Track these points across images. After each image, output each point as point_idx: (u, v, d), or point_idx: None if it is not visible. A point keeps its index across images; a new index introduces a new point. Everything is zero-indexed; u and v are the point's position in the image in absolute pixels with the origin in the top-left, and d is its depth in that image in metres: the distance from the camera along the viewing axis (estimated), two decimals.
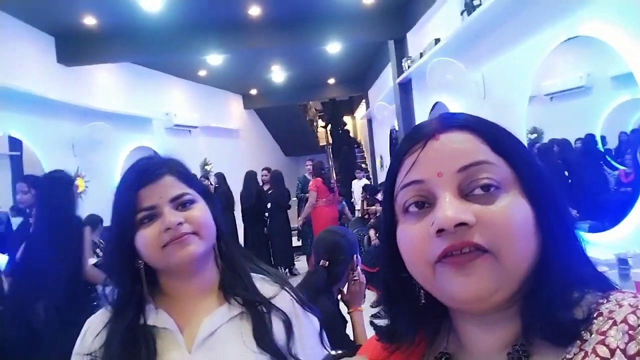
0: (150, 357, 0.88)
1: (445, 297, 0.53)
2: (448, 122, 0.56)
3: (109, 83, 6.99)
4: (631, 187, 2.83)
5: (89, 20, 5.48)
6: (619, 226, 2.52)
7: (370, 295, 5.16)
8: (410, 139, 0.57)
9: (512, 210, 0.50)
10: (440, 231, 0.50)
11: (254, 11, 5.81)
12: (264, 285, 1.01)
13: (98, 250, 5.13)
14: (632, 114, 3.09)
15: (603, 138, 3.18)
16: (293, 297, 1.01)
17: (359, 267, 1.90)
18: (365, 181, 9.40)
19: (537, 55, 3.28)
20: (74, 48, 5.83)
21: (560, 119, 3.38)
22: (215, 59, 7.75)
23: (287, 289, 1.02)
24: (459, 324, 0.58)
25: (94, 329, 0.94)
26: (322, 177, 6.82)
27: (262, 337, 0.92)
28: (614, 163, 3.13)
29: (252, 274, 1.03)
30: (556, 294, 0.49)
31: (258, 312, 0.95)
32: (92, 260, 3.04)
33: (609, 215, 2.75)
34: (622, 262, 2.04)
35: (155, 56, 6.69)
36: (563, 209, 0.53)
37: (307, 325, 0.99)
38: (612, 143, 3.19)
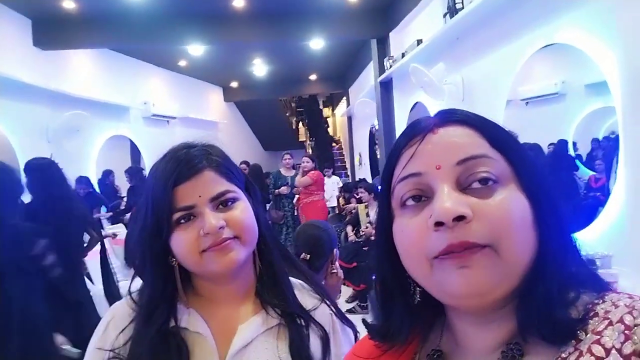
0: None
1: (443, 293, 0.52)
2: (447, 116, 0.56)
3: (87, 69, 6.84)
4: (600, 192, 2.94)
5: (68, 4, 5.36)
6: (588, 228, 2.61)
7: (346, 291, 5.23)
8: (408, 133, 0.57)
9: (510, 204, 0.50)
10: (438, 224, 0.49)
11: (238, 3, 5.78)
12: (304, 296, 0.94)
13: None
14: (604, 122, 3.19)
15: (575, 144, 3.29)
16: (332, 311, 0.94)
17: (337, 262, 1.93)
18: (335, 178, 9.46)
19: (516, 60, 3.37)
20: (51, 32, 5.69)
21: (534, 123, 3.48)
22: (196, 49, 7.67)
23: (327, 302, 0.95)
24: (454, 321, 0.58)
25: (117, 323, 0.86)
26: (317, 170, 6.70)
27: (299, 352, 0.85)
28: (584, 168, 3.24)
29: (291, 278, 0.95)
30: (553, 293, 0.49)
31: (296, 325, 0.87)
32: None
33: (578, 218, 2.84)
34: (590, 263, 2.12)
35: (135, 43, 6.58)
36: (559, 206, 0.53)
37: (344, 342, 0.92)
38: (584, 149, 3.30)
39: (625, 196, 2.41)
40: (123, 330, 0.84)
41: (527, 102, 3.46)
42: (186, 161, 0.84)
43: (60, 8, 5.43)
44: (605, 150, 3.12)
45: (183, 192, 0.82)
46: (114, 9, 5.58)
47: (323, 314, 0.92)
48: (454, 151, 0.53)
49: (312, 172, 6.33)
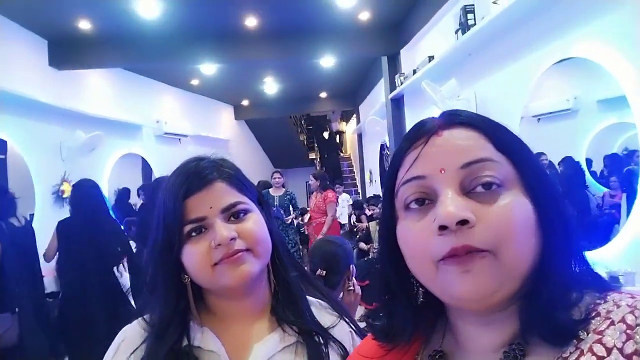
0: None
1: (447, 296, 0.52)
2: (451, 118, 0.56)
3: (100, 88, 6.94)
4: (615, 209, 2.88)
5: (84, 25, 5.45)
6: (609, 245, 2.55)
7: (359, 310, 5.15)
8: (412, 136, 0.57)
9: (514, 209, 0.50)
10: (442, 228, 0.49)
11: (250, 22, 5.84)
12: (322, 313, 0.90)
13: None
14: (617, 137, 3.15)
15: (589, 160, 3.24)
16: (352, 329, 0.90)
17: (354, 277, 1.88)
18: (346, 196, 9.41)
19: (529, 76, 3.34)
20: (67, 52, 5.79)
21: (547, 140, 3.43)
22: (208, 68, 7.74)
23: (346, 319, 0.92)
24: (457, 322, 0.58)
25: (129, 344, 0.83)
26: (329, 188, 6.57)
27: None
28: (597, 185, 3.18)
29: (308, 297, 0.92)
30: (556, 295, 0.49)
31: (315, 343, 0.83)
32: None
33: (594, 235, 2.78)
34: (614, 280, 2.07)
35: (148, 63, 6.66)
36: (564, 209, 0.53)
37: None
38: (598, 166, 3.25)
39: None
40: (134, 351, 0.81)
41: (538, 119, 3.42)
42: (196, 173, 0.82)
43: (75, 28, 5.53)
44: (619, 166, 3.08)
45: (194, 203, 0.80)
46: (128, 29, 5.67)
47: (342, 331, 0.89)
48: (458, 154, 0.52)
49: (330, 194, 6.32)
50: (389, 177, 0.59)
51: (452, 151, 0.53)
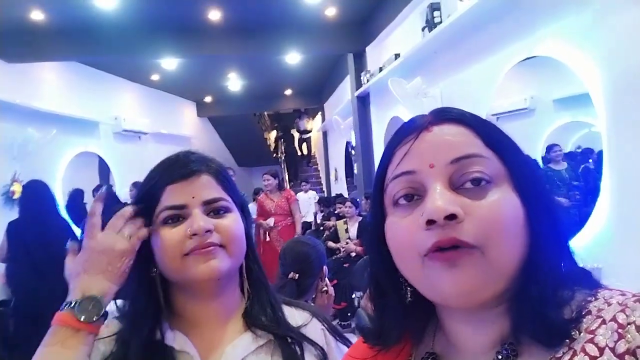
0: None
1: (433, 293, 0.52)
2: (441, 115, 0.56)
3: (55, 83, 6.61)
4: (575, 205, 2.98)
5: (36, 15, 5.18)
6: (573, 241, 2.59)
7: None
8: (402, 131, 0.57)
9: (502, 205, 0.50)
10: (430, 223, 0.49)
11: (214, 15, 5.70)
12: (292, 313, 0.89)
13: None
14: (572, 136, 3.26)
15: (544, 159, 3.33)
16: (325, 326, 0.89)
17: (327, 278, 1.84)
18: (312, 193, 9.38)
19: (495, 74, 3.38)
20: (18, 44, 5.48)
21: None
22: (169, 63, 7.54)
23: (318, 317, 0.90)
24: (447, 322, 0.57)
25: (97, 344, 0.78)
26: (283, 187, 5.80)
27: None
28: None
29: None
30: (547, 293, 0.49)
31: (289, 346, 0.82)
32: None
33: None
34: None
35: (105, 56, 6.41)
36: (553, 205, 0.53)
37: (338, 358, 0.87)
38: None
39: (610, 208, 2.41)
40: (104, 337, 0.78)
41: (497, 118, 3.50)
42: (184, 162, 0.81)
43: (27, 19, 5.25)
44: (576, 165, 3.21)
45: (176, 190, 0.79)
46: (84, 20, 5.43)
47: (315, 329, 0.87)
48: (447, 150, 0.52)
49: (288, 191, 5.66)
50: (378, 174, 0.58)
51: (441, 146, 0.53)
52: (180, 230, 0.77)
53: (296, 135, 14.53)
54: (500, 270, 0.49)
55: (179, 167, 0.80)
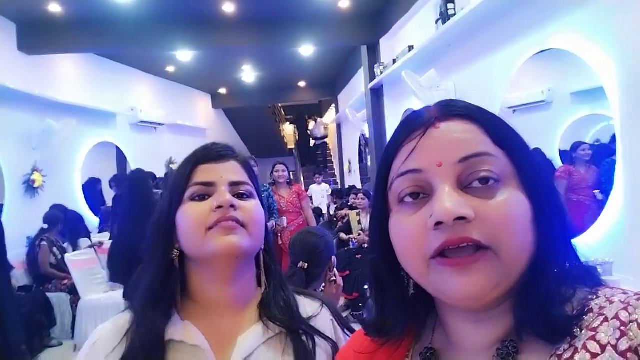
0: None
1: (440, 293, 0.51)
2: (448, 109, 0.54)
3: (72, 74, 6.73)
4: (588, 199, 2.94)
5: (54, 8, 5.26)
6: (586, 234, 2.58)
7: (340, 300, 5.16)
8: (408, 126, 0.55)
9: (511, 205, 0.49)
10: (438, 224, 0.48)
11: (228, 8, 5.73)
12: (303, 302, 0.91)
13: (55, 250, 4.93)
14: (590, 129, 3.21)
15: (562, 152, 3.29)
16: (334, 318, 0.91)
17: (335, 269, 1.87)
18: (325, 186, 9.41)
19: (508, 67, 3.36)
20: (37, 36, 5.58)
21: (521, 132, 3.47)
22: (184, 55, 7.59)
23: (328, 307, 0.92)
24: (448, 319, 0.57)
25: (105, 344, 0.80)
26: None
27: None
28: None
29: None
30: (551, 291, 0.49)
31: (301, 339, 0.83)
32: None
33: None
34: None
35: (122, 48, 6.49)
36: (560, 204, 0.53)
37: None
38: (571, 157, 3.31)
39: (623, 202, 2.39)
40: (114, 349, 0.79)
41: (514, 110, 3.46)
42: (215, 149, 0.87)
43: (45, 12, 5.33)
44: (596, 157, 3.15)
45: (206, 170, 0.84)
46: (100, 13, 5.50)
47: (324, 319, 0.89)
48: (455, 148, 0.51)
49: (298, 186, 5.11)
50: (382, 168, 0.57)
51: (449, 145, 0.52)
52: (206, 205, 0.81)
53: (311, 141, 14.45)
54: (511, 269, 0.49)
55: (210, 151, 0.86)
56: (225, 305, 0.84)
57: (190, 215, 0.80)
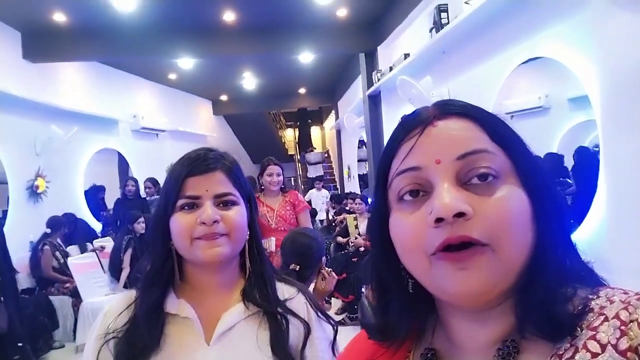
0: (170, 341, 0.92)
1: (441, 292, 0.51)
2: (446, 108, 0.55)
3: (76, 82, 6.84)
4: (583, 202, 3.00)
5: (59, 17, 5.37)
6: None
7: (335, 303, 5.21)
8: (406, 125, 0.55)
9: (510, 201, 0.49)
10: (438, 221, 0.48)
11: (229, 17, 5.83)
12: (281, 287, 1.04)
13: (58, 254, 5.00)
14: (587, 135, 3.25)
15: (561, 157, 3.34)
16: (308, 302, 1.03)
17: (325, 267, 1.93)
18: (325, 192, 9.46)
19: (500, 74, 3.44)
20: (41, 44, 5.69)
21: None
22: (186, 62, 7.69)
23: (304, 293, 1.05)
24: (448, 318, 0.57)
25: (114, 311, 0.97)
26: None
27: (279, 345, 0.94)
28: (569, 181, 3.30)
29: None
30: (553, 289, 0.48)
31: (277, 322, 0.97)
32: None
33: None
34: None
35: (125, 56, 6.59)
36: (559, 201, 0.53)
37: (318, 330, 1.01)
38: (568, 162, 3.35)
39: (606, 204, 2.47)
40: (121, 313, 0.95)
41: (512, 116, 3.50)
42: (203, 159, 0.97)
43: (50, 21, 5.44)
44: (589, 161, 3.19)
45: (193, 183, 0.94)
46: (104, 22, 5.61)
47: (299, 302, 1.02)
48: (454, 145, 0.52)
49: (294, 193, 3.88)
50: (381, 167, 0.58)
51: (447, 142, 0.52)
52: (193, 217, 0.93)
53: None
54: (510, 268, 0.49)
55: (199, 163, 0.96)
56: (213, 289, 0.99)
57: (179, 225, 0.93)
